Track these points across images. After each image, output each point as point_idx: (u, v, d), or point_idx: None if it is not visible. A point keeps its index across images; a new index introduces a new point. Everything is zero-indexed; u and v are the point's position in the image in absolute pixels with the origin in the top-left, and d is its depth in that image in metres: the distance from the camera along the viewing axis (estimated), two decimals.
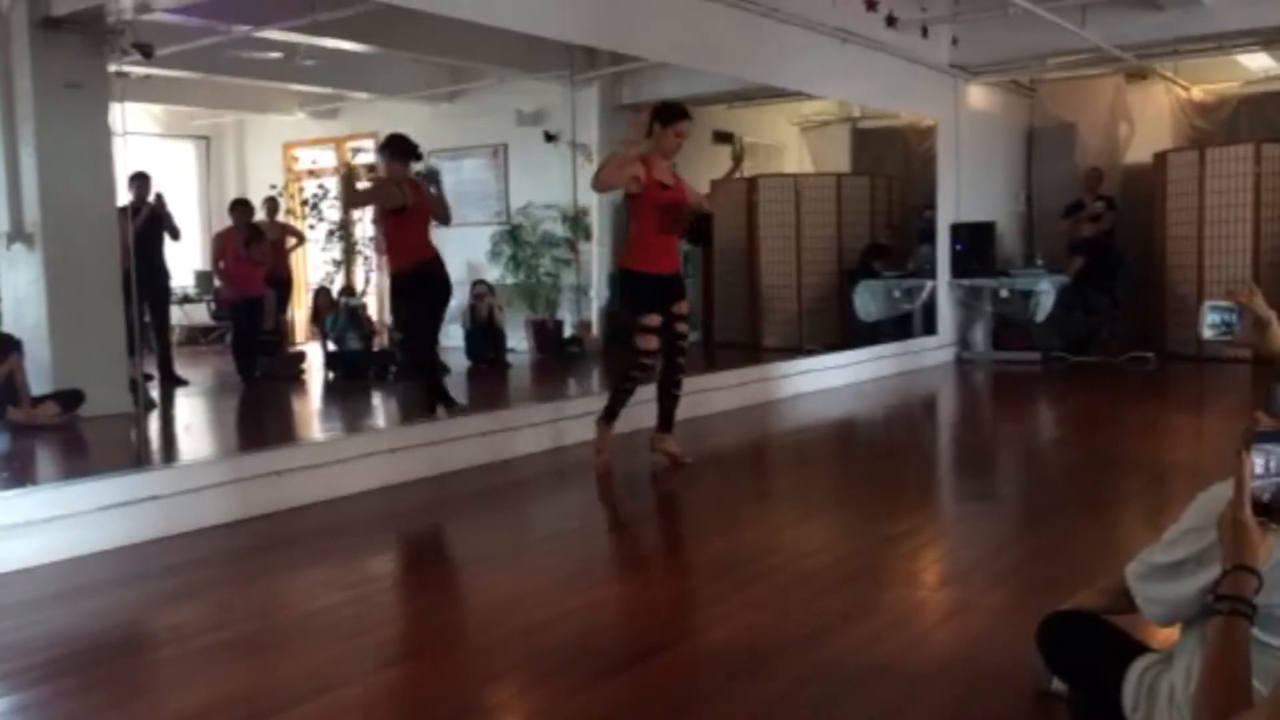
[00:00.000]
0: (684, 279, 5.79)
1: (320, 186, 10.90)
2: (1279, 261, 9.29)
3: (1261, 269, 9.24)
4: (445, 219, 6.59)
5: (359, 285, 10.37)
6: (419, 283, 6.36)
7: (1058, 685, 2.59)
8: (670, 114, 5.42)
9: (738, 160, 6.02)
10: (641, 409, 5.91)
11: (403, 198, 6.24)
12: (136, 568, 4.01)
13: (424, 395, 6.34)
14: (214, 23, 7.53)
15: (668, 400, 5.67)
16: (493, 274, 10.30)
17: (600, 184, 5.60)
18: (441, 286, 6.50)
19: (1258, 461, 1.77)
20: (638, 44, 7.23)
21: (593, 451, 5.65)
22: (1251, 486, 1.77)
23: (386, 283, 10.55)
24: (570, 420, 6.31)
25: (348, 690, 2.86)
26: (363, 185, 7.01)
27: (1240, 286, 2.29)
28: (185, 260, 10.07)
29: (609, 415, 5.62)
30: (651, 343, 5.47)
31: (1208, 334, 2.25)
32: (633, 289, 5.60)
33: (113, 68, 6.61)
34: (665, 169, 5.49)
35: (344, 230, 10.74)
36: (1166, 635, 2.54)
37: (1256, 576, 1.78)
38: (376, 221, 10.51)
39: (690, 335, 5.90)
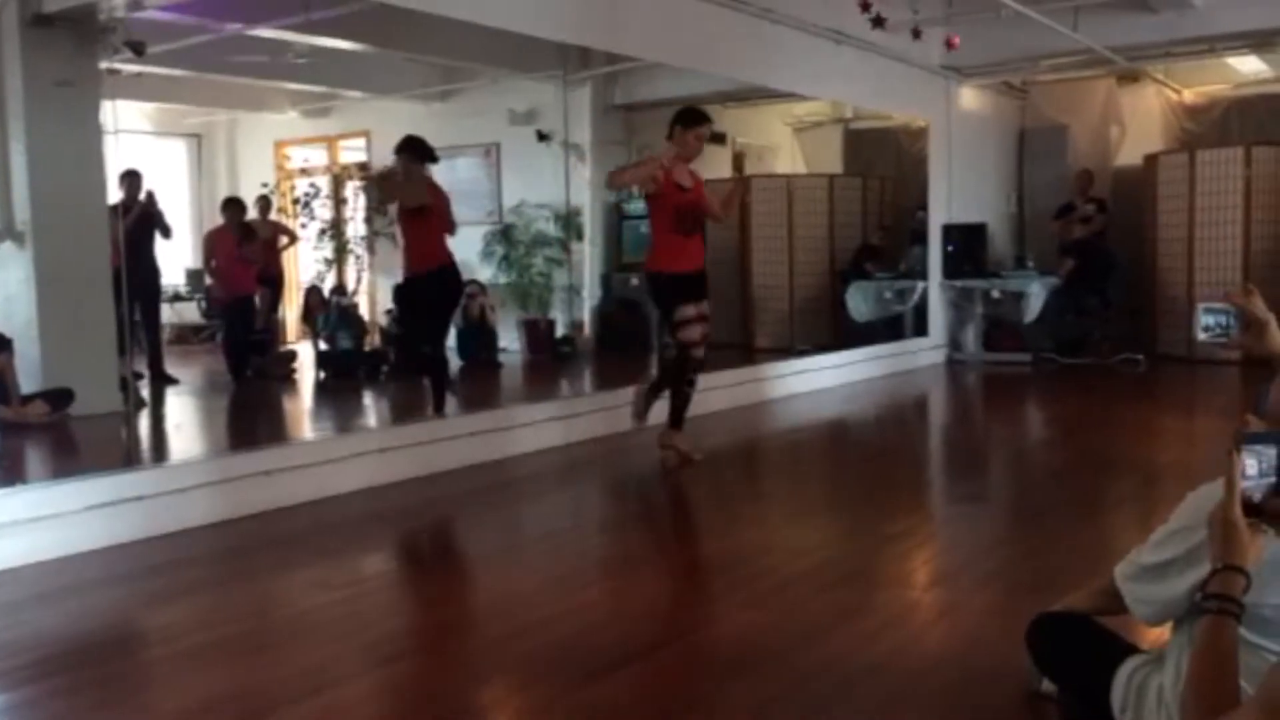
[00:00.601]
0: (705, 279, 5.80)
1: (312, 185, 10.88)
2: (1270, 264, 9.32)
3: (1252, 271, 9.26)
4: (451, 229, 6.61)
5: (350, 284, 10.36)
6: (436, 286, 6.37)
7: (1047, 686, 2.59)
8: (691, 118, 5.52)
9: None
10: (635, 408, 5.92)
11: (424, 197, 6.26)
12: (124, 568, 4.00)
13: (432, 395, 6.37)
14: (206, 21, 7.52)
15: (679, 397, 5.70)
16: (485, 274, 10.30)
17: (614, 182, 5.65)
18: (456, 290, 6.58)
19: (1248, 462, 1.78)
20: (631, 44, 7.22)
21: (667, 452, 5.68)
22: (1242, 487, 1.78)
23: (382, 280, 10.62)
24: (562, 420, 6.31)
25: (340, 691, 2.85)
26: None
27: (1232, 288, 2.28)
28: (176, 259, 10.05)
29: (675, 423, 5.70)
30: (695, 333, 5.52)
31: (1202, 336, 2.25)
32: (659, 289, 5.68)
33: (104, 65, 6.59)
34: (685, 171, 5.55)
35: (335, 229, 10.72)
36: (1156, 636, 2.54)
37: (1245, 576, 1.78)
38: (367, 220, 10.56)
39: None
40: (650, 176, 5.42)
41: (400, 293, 6.65)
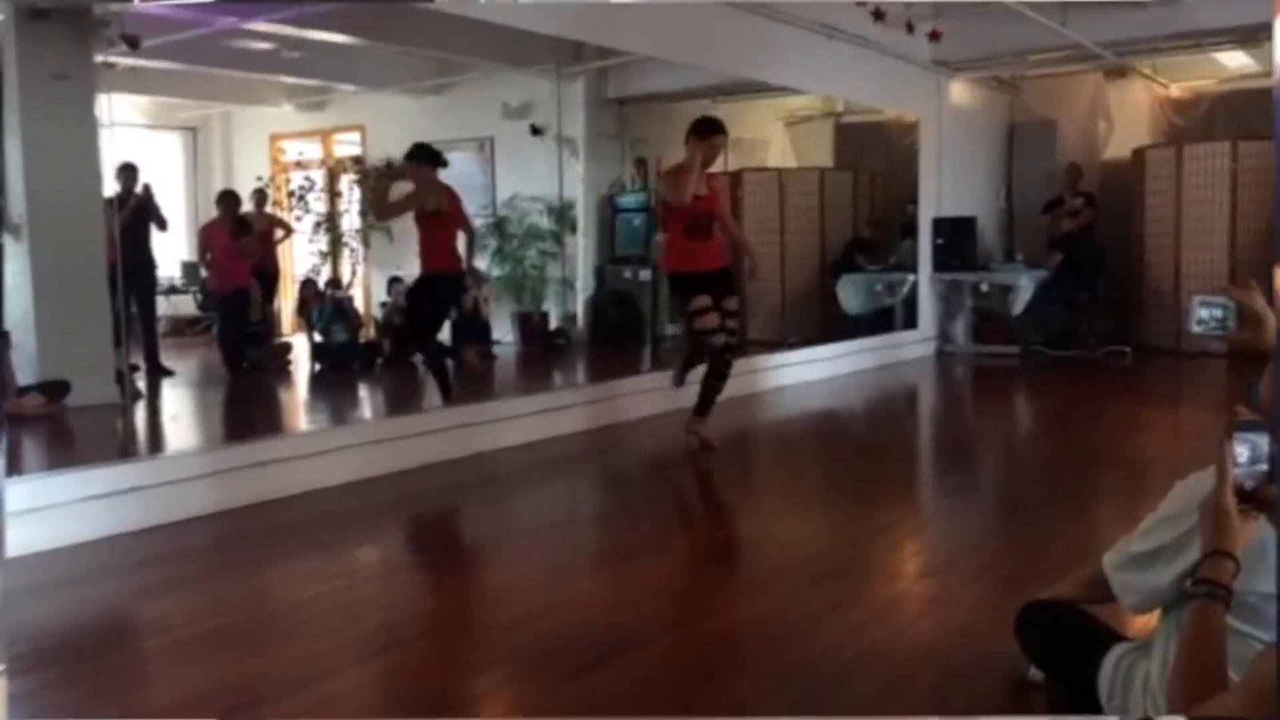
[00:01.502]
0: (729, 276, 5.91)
1: (307, 179, 10.84)
2: (1255, 259, 9.32)
3: (1238, 265, 9.28)
4: (470, 229, 6.83)
5: (345, 277, 10.33)
6: (448, 287, 6.65)
7: (1035, 673, 2.59)
8: (706, 129, 5.68)
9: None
10: (629, 399, 5.91)
11: (437, 201, 6.45)
12: (120, 559, 3.98)
13: (439, 385, 6.57)
14: (201, 14, 7.48)
15: (707, 388, 5.82)
16: (478, 266, 10.27)
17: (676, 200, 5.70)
18: (458, 296, 6.83)
19: (1240, 451, 1.80)
20: (624, 38, 7.20)
21: (690, 437, 5.80)
22: (1234, 474, 1.79)
23: (377, 274, 10.60)
24: (558, 412, 6.30)
25: (333, 682, 2.84)
26: (395, 196, 7.02)
27: (1221, 282, 2.29)
28: (172, 251, 10.01)
29: (701, 410, 5.79)
30: (711, 320, 5.65)
31: (1196, 329, 2.25)
32: (676, 286, 5.95)
33: (99, 59, 6.56)
34: (700, 180, 5.65)
35: (330, 223, 10.69)
36: (1143, 624, 2.55)
37: (1234, 562, 1.79)
38: (362, 214, 10.53)
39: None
40: (687, 185, 5.55)
41: (415, 289, 6.88)
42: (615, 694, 2.72)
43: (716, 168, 6.06)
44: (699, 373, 5.90)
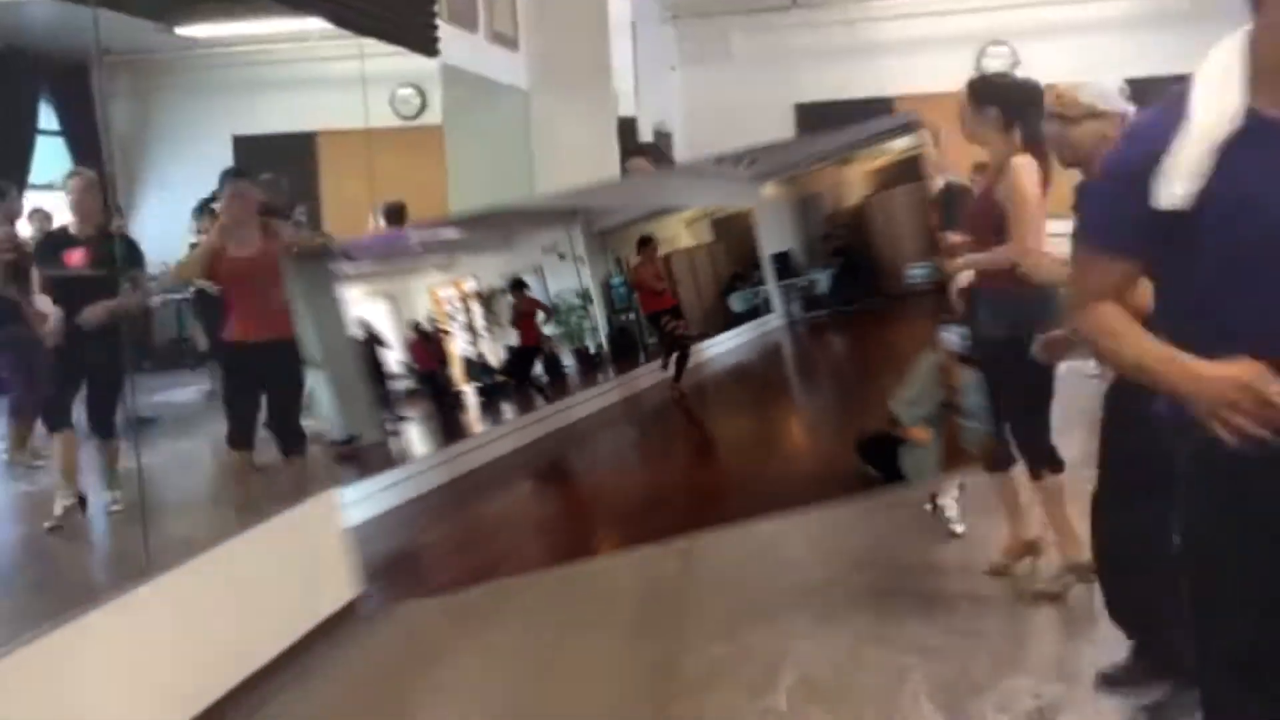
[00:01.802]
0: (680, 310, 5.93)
1: (452, 305, 10.90)
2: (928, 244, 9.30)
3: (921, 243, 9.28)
4: (549, 313, 6.86)
5: (486, 352, 10.37)
6: (530, 352, 6.72)
7: (871, 471, 2.60)
8: (638, 248, 5.69)
9: None
10: (635, 381, 5.89)
11: (531, 309, 6.55)
12: (399, 521, 3.99)
13: (538, 392, 6.59)
14: (387, 240, 7.52)
15: (679, 365, 5.84)
16: (548, 330, 10.34)
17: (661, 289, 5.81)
18: (537, 352, 6.94)
19: (949, 337, 1.81)
20: (594, 199, 7.20)
21: (672, 392, 5.71)
22: (949, 347, 1.80)
23: (499, 345, 10.65)
24: (600, 395, 6.30)
25: (520, 555, 2.85)
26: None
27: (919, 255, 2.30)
28: (395, 358, 10.03)
29: (676, 379, 5.78)
30: (673, 325, 5.65)
31: (916, 281, 2.28)
32: (652, 320, 5.89)
33: (330, 266, 6.62)
34: (653, 271, 5.72)
35: (469, 326, 10.73)
36: (920, 434, 2.55)
37: (958, 391, 1.80)
38: (485, 318, 10.56)
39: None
40: (661, 280, 5.61)
41: (516, 350, 6.94)
42: (666, 521, 2.73)
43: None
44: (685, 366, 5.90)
